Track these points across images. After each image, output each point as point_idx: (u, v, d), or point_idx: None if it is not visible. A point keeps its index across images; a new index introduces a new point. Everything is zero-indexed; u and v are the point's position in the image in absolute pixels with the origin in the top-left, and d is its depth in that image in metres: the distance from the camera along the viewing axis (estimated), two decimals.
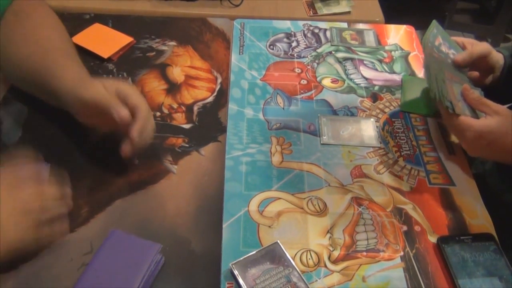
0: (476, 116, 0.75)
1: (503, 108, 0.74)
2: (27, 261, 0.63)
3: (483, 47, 0.84)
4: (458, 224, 0.72)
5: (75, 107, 0.72)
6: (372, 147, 0.82)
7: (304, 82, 0.93)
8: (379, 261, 0.67)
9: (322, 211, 0.73)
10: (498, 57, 0.85)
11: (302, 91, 0.91)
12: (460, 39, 0.88)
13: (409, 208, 0.74)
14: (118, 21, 1.03)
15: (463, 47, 0.86)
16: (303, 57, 0.99)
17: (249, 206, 0.72)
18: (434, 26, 0.84)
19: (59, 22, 0.84)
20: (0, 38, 0.78)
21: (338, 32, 1.05)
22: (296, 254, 0.67)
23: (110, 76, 0.92)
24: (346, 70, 0.97)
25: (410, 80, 0.95)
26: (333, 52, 1.01)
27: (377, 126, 0.85)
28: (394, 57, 1.01)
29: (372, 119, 0.86)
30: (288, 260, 0.65)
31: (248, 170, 0.77)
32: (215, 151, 0.80)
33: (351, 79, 0.95)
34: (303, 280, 0.63)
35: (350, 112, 0.88)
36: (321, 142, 0.81)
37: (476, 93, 0.78)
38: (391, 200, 0.75)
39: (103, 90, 0.70)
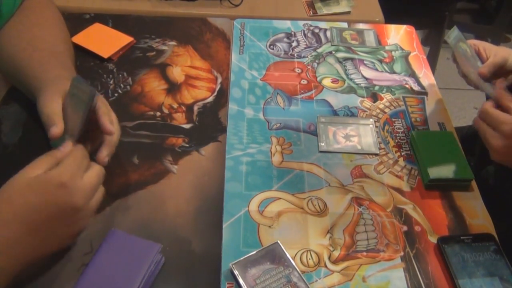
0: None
1: None
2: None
3: (504, 54, 0.80)
4: (458, 224, 0.72)
5: (38, 108, 0.70)
6: (371, 154, 0.81)
7: (304, 82, 0.93)
8: (379, 261, 0.67)
9: (322, 211, 0.73)
10: None
11: (302, 91, 0.91)
12: (475, 43, 0.83)
13: (409, 208, 0.74)
14: (118, 21, 1.03)
15: (479, 53, 0.81)
16: (303, 57, 0.99)
17: (249, 206, 0.72)
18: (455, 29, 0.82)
19: (62, 25, 0.84)
20: None
21: (338, 32, 1.05)
22: (296, 254, 0.67)
23: (111, 76, 0.91)
24: (346, 70, 0.97)
25: (422, 136, 0.82)
26: (333, 52, 1.01)
27: (376, 127, 0.85)
28: (394, 57, 1.00)
29: (371, 125, 0.85)
30: (288, 260, 0.65)
31: (248, 170, 0.77)
32: (215, 151, 0.80)
33: (351, 79, 0.95)
34: (303, 280, 0.63)
35: (351, 112, 0.88)
36: (319, 150, 0.81)
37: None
38: (391, 200, 0.75)
39: (55, 103, 0.67)
